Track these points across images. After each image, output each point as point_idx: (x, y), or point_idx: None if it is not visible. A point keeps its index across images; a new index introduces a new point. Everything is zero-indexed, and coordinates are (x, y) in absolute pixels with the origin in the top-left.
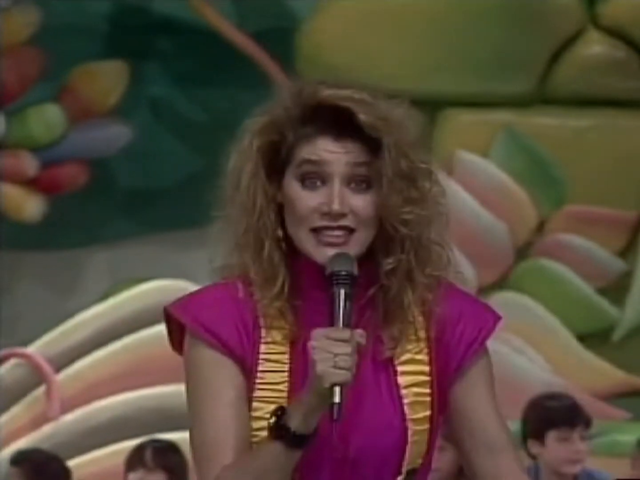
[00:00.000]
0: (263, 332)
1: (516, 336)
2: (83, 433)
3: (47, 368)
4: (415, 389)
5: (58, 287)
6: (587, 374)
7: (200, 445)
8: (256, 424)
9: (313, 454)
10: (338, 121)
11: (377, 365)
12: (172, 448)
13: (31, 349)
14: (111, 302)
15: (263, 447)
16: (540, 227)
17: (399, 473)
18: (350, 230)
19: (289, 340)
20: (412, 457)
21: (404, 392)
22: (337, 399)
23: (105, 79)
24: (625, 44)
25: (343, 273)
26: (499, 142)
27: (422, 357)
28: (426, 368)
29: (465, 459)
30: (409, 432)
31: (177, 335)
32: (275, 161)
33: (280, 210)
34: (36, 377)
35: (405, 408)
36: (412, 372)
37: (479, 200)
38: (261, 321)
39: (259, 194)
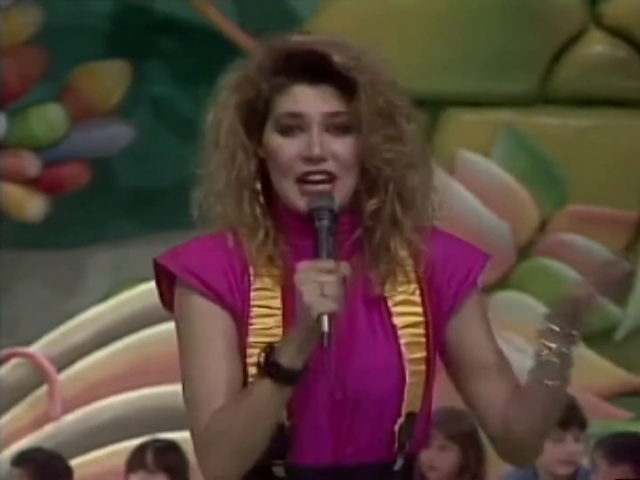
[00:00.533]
0: (253, 279)
1: (518, 335)
2: (84, 433)
3: (48, 368)
4: (411, 330)
5: (59, 286)
6: (588, 373)
7: (191, 396)
8: (251, 370)
9: (312, 397)
10: (311, 67)
11: (369, 305)
12: (173, 448)
13: (33, 349)
14: (113, 301)
15: (253, 386)
16: (542, 227)
17: (399, 415)
18: (332, 177)
19: (280, 286)
20: (410, 398)
21: (400, 332)
22: (325, 328)
23: (107, 78)
24: (627, 43)
25: (322, 208)
26: (501, 142)
27: (415, 298)
28: (419, 309)
29: (464, 390)
30: (407, 372)
31: (167, 291)
32: (254, 116)
33: (262, 165)
34: (38, 376)
35: (403, 348)
36: (407, 313)
37: (481, 200)
38: (251, 269)
39: (238, 149)
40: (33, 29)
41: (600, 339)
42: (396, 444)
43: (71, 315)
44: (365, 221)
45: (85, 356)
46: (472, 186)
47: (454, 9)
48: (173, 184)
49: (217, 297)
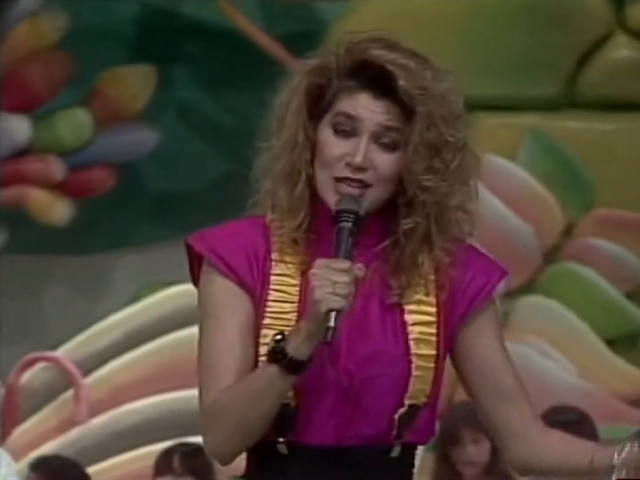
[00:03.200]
0: (274, 264)
1: (543, 340)
2: (111, 436)
3: (75, 372)
4: (421, 328)
5: (86, 291)
6: (615, 379)
7: (204, 369)
8: (263, 349)
9: (319, 381)
10: (381, 81)
11: (384, 307)
12: (199, 452)
13: (59, 353)
14: (139, 305)
15: (260, 370)
16: (568, 231)
17: (401, 405)
18: (366, 185)
19: (299, 274)
20: (414, 391)
21: (409, 329)
22: (332, 323)
23: (133, 83)
24: None
25: (348, 210)
26: (527, 146)
27: (430, 299)
28: (433, 309)
29: (476, 403)
30: (412, 366)
31: (196, 267)
32: (318, 103)
33: (315, 149)
34: (64, 380)
35: (410, 343)
36: (419, 311)
37: (507, 204)
38: (273, 254)
39: (300, 131)
40: (59, 34)
41: (626, 344)
42: (394, 432)
43: (97, 319)
44: (398, 235)
45: (112, 360)
46: (497, 190)
47: (479, 13)
48: (199, 188)
49: (238, 278)
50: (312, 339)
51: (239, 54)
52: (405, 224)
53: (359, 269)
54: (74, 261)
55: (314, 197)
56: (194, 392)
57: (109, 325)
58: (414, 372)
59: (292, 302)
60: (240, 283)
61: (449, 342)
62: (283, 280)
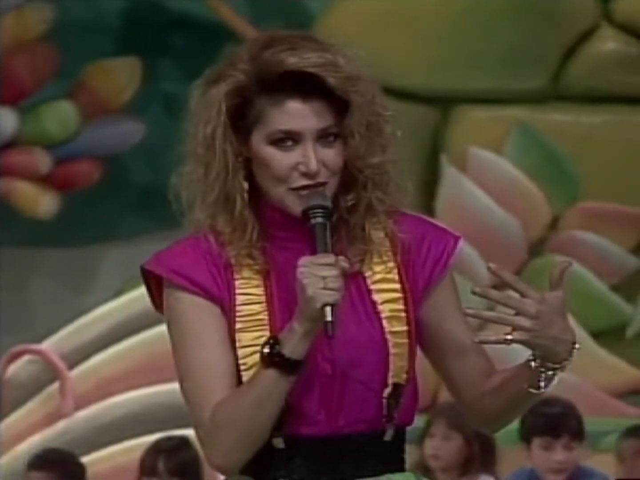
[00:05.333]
0: (235, 272)
1: None
2: (96, 429)
3: (60, 364)
4: (391, 305)
5: (72, 283)
6: (600, 371)
7: (190, 392)
8: (241, 352)
9: (302, 376)
10: (304, 82)
11: (349, 286)
12: (184, 447)
13: (45, 346)
14: (125, 298)
15: (257, 377)
16: (554, 224)
17: (386, 385)
18: (323, 184)
19: (262, 275)
20: (395, 370)
21: (380, 307)
22: (329, 318)
23: (119, 75)
24: (639, 40)
25: (317, 206)
26: (513, 139)
27: (393, 276)
28: (398, 286)
29: (439, 369)
30: (390, 344)
31: (157, 295)
32: (242, 121)
33: (246, 163)
34: (50, 373)
35: (384, 322)
36: (386, 289)
37: (493, 197)
38: (232, 260)
39: (230, 157)
40: (45, 26)
41: (612, 336)
42: (385, 413)
43: (83, 312)
44: (341, 213)
45: (98, 353)
46: (483, 183)
47: (466, 7)
48: None
49: (204, 292)
50: (308, 337)
51: (225, 47)
52: (348, 200)
53: (343, 261)
54: (60, 254)
55: (257, 208)
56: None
57: (95, 318)
58: (392, 350)
59: (261, 303)
60: (208, 296)
61: (417, 315)
62: (248, 283)
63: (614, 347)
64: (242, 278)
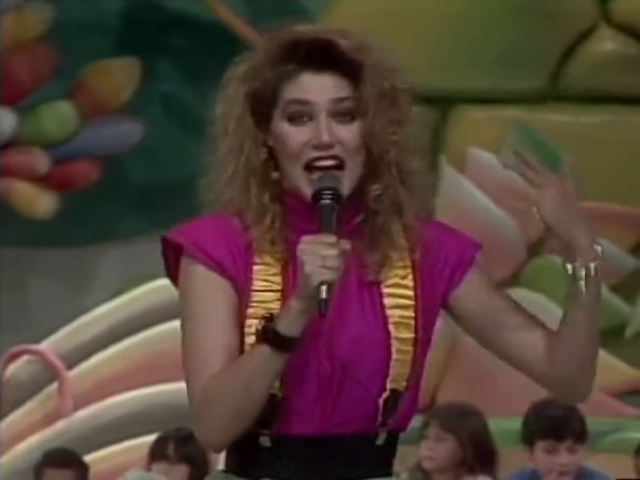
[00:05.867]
0: (256, 255)
1: None
2: (95, 430)
3: (59, 365)
4: (400, 311)
5: (70, 284)
6: (599, 371)
7: (190, 358)
8: (249, 340)
9: (301, 369)
10: (317, 54)
11: (362, 288)
12: (194, 438)
13: (44, 346)
14: (124, 299)
15: (251, 351)
16: None
17: (384, 389)
18: (341, 162)
19: (281, 264)
20: (395, 375)
21: (388, 312)
22: (324, 295)
23: (118, 75)
24: (637, 40)
25: (327, 187)
26: (511, 139)
27: (407, 282)
28: (410, 292)
29: (506, 357)
30: (393, 349)
31: (173, 265)
32: (261, 106)
33: (272, 153)
34: (49, 373)
35: (390, 327)
36: (397, 295)
37: (491, 197)
38: (254, 244)
39: (246, 138)
40: (44, 26)
41: (610, 337)
42: (379, 418)
43: (82, 312)
44: (369, 206)
45: (96, 353)
46: (482, 183)
47: (465, 7)
48: (183, 181)
49: (220, 268)
50: (303, 315)
51: (223, 47)
52: (374, 190)
53: (345, 244)
54: (59, 254)
55: (279, 195)
56: (178, 385)
57: (94, 318)
58: (394, 356)
59: (276, 291)
60: (224, 273)
61: (427, 324)
62: (266, 270)
63: (613, 347)
64: (262, 263)
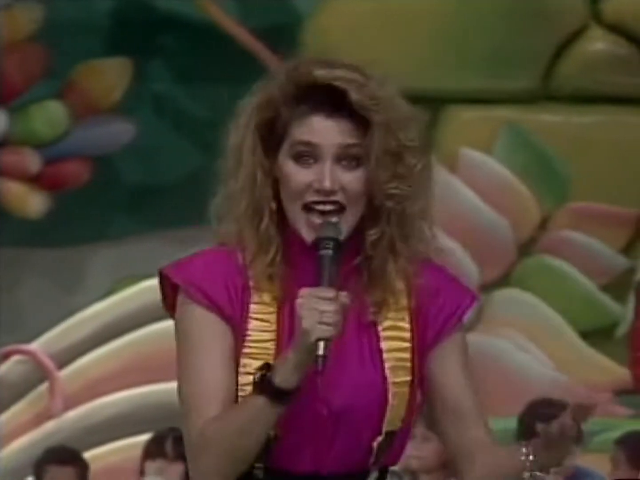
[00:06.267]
0: (253, 294)
1: (519, 333)
2: (86, 429)
3: (50, 365)
4: (397, 354)
5: (61, 284)
6: (589, 371)
7: (187, 399)
8: (244, 379)
9: (295, 412)
10: (331, 100)
11: (360, 329)
12: None
13: (34, 346)
14: (114, 299)
15: (248, 400)
16: (543, 224)
17: (379, 433)
18: (340, 207)
19: (277, 303)
20: (391, 418)
21: (386, 356)
22: (321, 352)
23: (109, 75)
24: (628, 40)
25: (328, 238)
26: (502, 139)
27: (404, 324)
28: (407, 335)
29: (437, 426)
30: (390, 394)
31: (170, 297)
32: (271, 137)
33: (275, 184)
34: (39, 373)
35: (387, 371)
36: (394, 337)
37: (482, 197)
38: (251, 282)
39: (258, 169)
40: (35, 26)
41: (601, 336)
42: (372, 459)
43: (73, 312)
44: (366, 249)
45: (87, 353)
46: (473, 183)
47: (456, 7)
48: (174, 181)
49: (217, 308)
50: (300, 369)
51: (214, 47)
52: (372, 234)
53: (344, 297)
54: (50, 254)
55: (283, 231)
56: (168, 385)
57: (84, 319)
58: (391, 401)
59: (271, 331)
60: (220, 313)
61: (422, 367)
62: (262, 309)
63: (604, 347)
64: (258, 302)
